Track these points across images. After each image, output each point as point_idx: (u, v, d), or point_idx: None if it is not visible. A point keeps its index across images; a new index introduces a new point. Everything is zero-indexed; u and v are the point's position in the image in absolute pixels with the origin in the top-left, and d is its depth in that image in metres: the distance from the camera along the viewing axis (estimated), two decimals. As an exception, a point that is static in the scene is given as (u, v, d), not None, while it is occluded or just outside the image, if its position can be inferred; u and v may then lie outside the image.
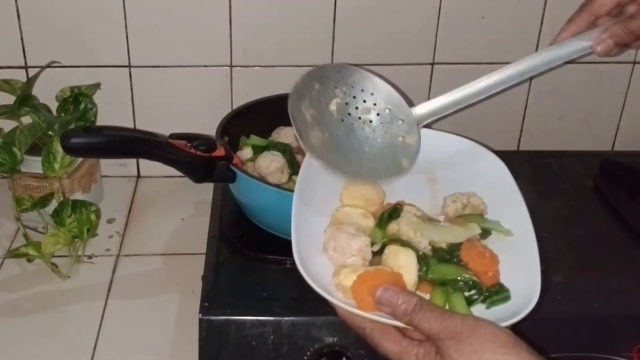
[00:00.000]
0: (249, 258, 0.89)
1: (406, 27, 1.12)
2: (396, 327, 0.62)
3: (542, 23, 1.13)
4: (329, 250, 0.67)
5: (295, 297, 0.80)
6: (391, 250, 0.67)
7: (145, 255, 1.02)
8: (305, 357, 0.78)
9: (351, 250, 0.67)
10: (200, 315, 0.78)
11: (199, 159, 0.87)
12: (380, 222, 0.71)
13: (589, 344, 0.81)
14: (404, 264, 0.65)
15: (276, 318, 0.78)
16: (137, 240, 1.05)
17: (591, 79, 1.20)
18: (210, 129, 0.96)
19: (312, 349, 0.78)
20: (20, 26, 1.07)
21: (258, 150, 0.97)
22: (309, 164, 0.73)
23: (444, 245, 0.69)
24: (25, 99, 1.01)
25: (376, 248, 0.68)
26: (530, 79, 1.18)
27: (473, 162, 0.79)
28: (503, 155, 1.19)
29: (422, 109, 0.77)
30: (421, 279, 0.66)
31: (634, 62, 1.19)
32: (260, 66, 1.13)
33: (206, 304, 0.79)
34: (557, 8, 1.11)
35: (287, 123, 1.04)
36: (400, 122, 0.76)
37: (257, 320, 0.77)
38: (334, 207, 0.73)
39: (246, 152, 0.98)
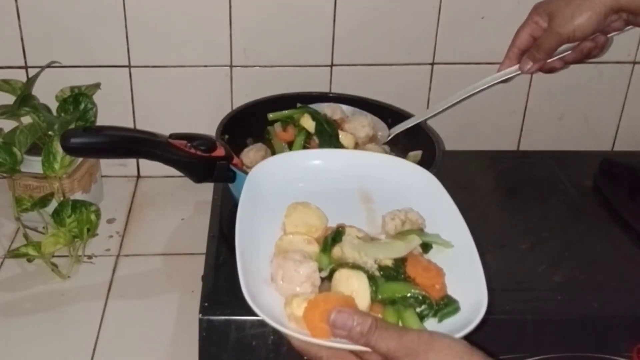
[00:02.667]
0: (248, 258, 0.89)
1: (406, 27, 1.12)
2: (353, 352, 0.61)
3: (542, 23, 1.13)
4: (277, 280, 0.66)
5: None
6: (342, 275, 0.66)
7: (145, 255, 1.02)
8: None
9: (299, 277, 0.66)
10: (200, 315, 0.78)
11: (199, 159, 0.87)
12: (325, 247, 0.71)
13: (589, 344, 0.81)
14: (357, 287, 0.65)
15: (276, 318, 0.77)
16: (137, 240, 1.05)
17: (591, 79, 1.20)
18: (210, 129, 0.96)
19: (312, 349, 0.78)
20: (20, 26, 1.07)
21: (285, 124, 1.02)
22: (247, 197, 0.73)
23: (389, 263, 0.68)
24: (25, 99, 1.01)
25: (324, 274, 0.68)
26: (530, 79, 1.18)
27: (404, 177, 0.80)
28: (503, 155, 1.21)
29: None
30: (372, 300, 0.65)
31: (634, 62, 1.19)
32: (260, 66, 1.13)
33: (206, 304, 0.79)
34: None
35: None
36: None
37: (257, 320, 0.77)
38: (277, 237, 0.72)
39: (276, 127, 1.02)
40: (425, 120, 1.02)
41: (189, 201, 1.13)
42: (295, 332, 0.61)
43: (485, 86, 0.95)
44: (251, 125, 1.04)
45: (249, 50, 1.12)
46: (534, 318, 0.79)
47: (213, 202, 1.00)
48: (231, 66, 1.13)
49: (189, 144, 0.87)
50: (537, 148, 1.23)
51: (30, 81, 1.04)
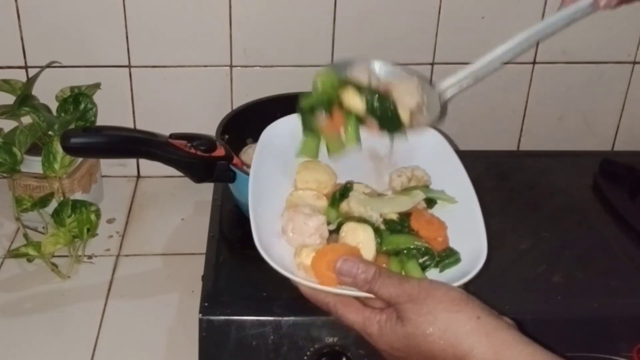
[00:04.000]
0: (249, 258, 0.88)
1: (406, 27, 1.12)
2: (358, 299, 0.65)
3: (542, 23, 1.13)
4: (287, 232, 0.70)
5: (295, 297, 0.80)
6: (349, 228, 0.70)
7: (145, 255, 1.02)
8: (305, 357, 0.78)
9: (309, 229, 0.69)
10: (200, 315, 0.78)
11: (199, 159, 0.87)
12: (333, 202, 0.74)
13: (589, 344, 0.81)
14: (362, 239, 0.68)
15: (276, 318, 0.78)
16: (137, 240, 1.05)
17: (591, 79, 1.20)
18: (210, 129, 0.96)
19: (312, 349, 0.78)
20: (20, 26, 1.07)
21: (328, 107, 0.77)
22: (261, 153, 0.77)
23: (394, 217, 0.72)
24: (25, 99, 1.01)
25: (332, 227, 0.71)
26: (530, 79, 1.18)
27: (414, 137, 0.81)
28: (503, 155, 1.21)
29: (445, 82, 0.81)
30: (377, 251, 0.69)
31: (634, 62, 1.19)
32: (260, 66, 1.13)
33: (206, 304, 0.79)
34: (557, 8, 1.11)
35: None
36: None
37: (257, 320, 0.77)
38: (288, 193, 0.76)
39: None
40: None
41: (189, 201, 1.13)
42: (304, 280, 0.65)
43: (553, 30, 0.80)
44: (251, 125, 1.03)
45: (249, 50, 1.12)
46: (534, 318, 0.79)
47: (213, 202, 1.00)
48: (231, 66, 1.13)
49: (189, 144, 0.87)
50: (537, 148, 1.23)
51: (30, 81, 1.04)
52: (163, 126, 0.96)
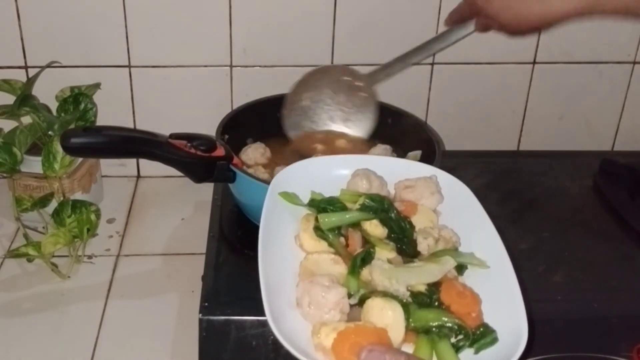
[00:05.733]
0: (249, 258, 0.89)
1: (406, 27, 1.12)
2: None
3: (542, 23, 1.13)
4: (303, 306, 0.63)
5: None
6: (375, 305, 0.62)
7: (145, 255, 1.02)
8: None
9: (328, 304, 0.62)
10: (200, 315, 0.78)
11: (199, 159, 0.87)
12: (353, 269, 0.66)
13: (589, 344, 0.81)
14: (391, 321, 0.61)
15: (276, 318, 0.77)
16: (137, 240, 1.05)
17: (591, 79, 1.20)
18: (210, 129, 0.96)
19: (312, 349, 0.77)
20: (20, 26, 1.07)
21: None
22: (271, 202, 0.70)
23: (422, 289, 0.65)
24: (25, 99, 1.01)
25: (354, 301, 0.64)
26: (530, 79, 1.18)
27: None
28: (503, 155, 1.21)
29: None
30: (404, 328, 0.62)
31: (634, 62, 1.19)
32: (260, 66, 1.13)
33: (206, 304, 0.79)
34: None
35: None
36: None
37: (257, 320, 0.77)
38: (301, 254, 0.68)
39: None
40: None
41: (189, 201, 1.13)
42: None
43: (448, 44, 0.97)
44: (251, 125, 1.04)
45: (249, 50, 1.12)
46: (534, 318, 0.79)
47: (213, 202, 1.00)
48: (231, 66, 1.13)
49: (189, 144, 0.87)
50: (537, 148, 1.23)
51: (30, 81, 1.04)
52: (163, 126, 0.96)
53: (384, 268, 0.66)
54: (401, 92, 1.14)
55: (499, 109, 1.21)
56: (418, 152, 1.00)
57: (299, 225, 0.70)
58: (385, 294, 0.63)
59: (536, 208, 1.03)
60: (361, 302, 0.63)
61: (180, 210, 1.11)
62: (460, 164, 1.10)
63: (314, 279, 0.63)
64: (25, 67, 1.10)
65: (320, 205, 0.71)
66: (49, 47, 1.08)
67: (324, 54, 1.13)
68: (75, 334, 0.88)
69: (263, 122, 1.04)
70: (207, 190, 1.02)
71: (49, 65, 1.07)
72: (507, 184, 1.10)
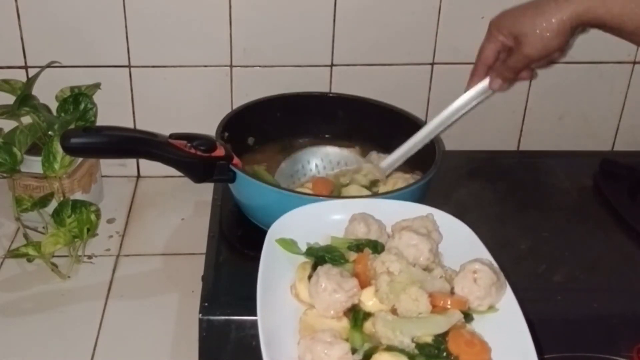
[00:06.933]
0: (249, 258, 0.89)
1: (406, 27, 1.12)
2: None
3: (542, 23, 1.13)
4: None
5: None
6: None
7: (145, 255, 1.02)
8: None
9: None
10: (200, 315, 0.78)
11: (199, 159, 0.87)
12: (356, 322, 0.64)
13: (589, 344, 0.81)
14: None
15: (276, 318, 0.77)
16: (137, 240, 1.05)
17: (591, 79, 1.20)
18: (210, 129, 0.96)
19: (312, 349, 0.77)
20: (20, 26, 1.07)
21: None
22: (269, 250, 0.69)
23: (429, 339, 0.62)
24: (25, 99, 1.01)
25: (359, 357, 0.61)
26: (530, 82, 1.18)
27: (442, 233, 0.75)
28: (503, 155, 1.21)
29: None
30: None
31: (634, 62, 1.19)
32: (260, 66, 1.13)
33: (206, 304, 0.79)
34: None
35: (286, 122, 1.05)
36: None
37: (257, 320, 0.77)
38: (298, 308, 0.67)
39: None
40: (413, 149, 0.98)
41: (189, 201, 1.13)
42: None
43: (463, 112, 0.96)
44: (251, 125, 1.04)
45: (249, 50, 1.12)
46: (534, 318, 0.79)
47: (213, 202, 1.00)
48: (231, 66, 1.13)
49: (189, 144, 0.87)
50: (537, 148, 1.23)
51: (30, 81, 1.04)
52: (163, 126, 0.96)
53: (388, 319, 0.64)
54: (401, 92, 1.14)
55: (499, 109, 1.21)
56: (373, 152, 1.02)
57: (295, 275, 0.69)
58: (391, 347, 0.61)
59: (536, 208, 1.03)
60: (366, 357, 0.61)
61: (180, 210, 1.11)
62: (460, 164, 1.11)
63: (315, 336, 0.61)
64: (25, 67, 1.10)
65: (319, 254, 0.70)
66: (49, 47, 1.08)
67: (324, 54, 1.13)
68: (75, 334, 0.87)
69: (263, 122, 1.04)
70: (207, 190, 1.02)
71: (49, 65, 1.07)
72: (507, 184, 1.10)
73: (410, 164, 0.99)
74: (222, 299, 0.80)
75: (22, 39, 1.08)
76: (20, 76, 1.08)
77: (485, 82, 0.94)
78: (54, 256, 0.96)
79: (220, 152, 0.89)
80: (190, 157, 0.87)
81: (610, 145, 1.26)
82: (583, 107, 1.22)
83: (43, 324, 0.89)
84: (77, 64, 1.10)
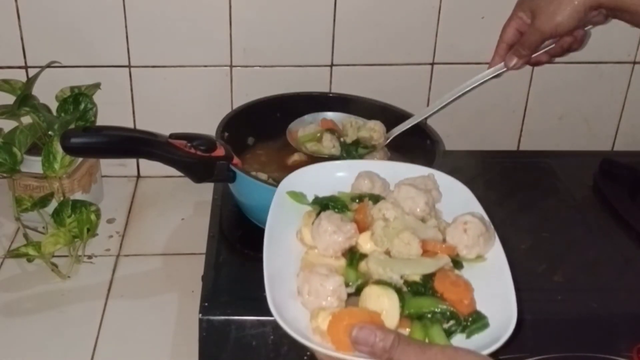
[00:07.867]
0: (249, 258, 0.89)
1: (406, 27, 1.12)
2: None
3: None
4: (303, 294, 0.65)
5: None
6: (372, 292, 0.64)
7: (145, 255, 1.02)
8: (305, 357, 0.78)
9: (326, 291, 0.64)
10: (200, 315, 0.78)
11: (199, 159, 0.88)
12: (352, 261, 0.69)
13: (589, 344, 0.81)
14: (387, 307, 0.63)
15: (276, 318, 0.77)
16: (137, 240, 1.05)
17: (591, 79, 1.20)
18: (210, 129, 0.96)
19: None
20: (20, 26, 1.07)
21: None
22: (277, 204, 0.72)
23: (417, 278, 0.67)
24: (25, 99, 1.01)
25: (351, 290, 0.66)
26: (530, 79, 1.18)
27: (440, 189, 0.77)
28: (503, 155, 1.21)
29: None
30: (399, 315, 0.64)
31: (634, 62, 1.19)
32: (260, 66, 1.13)
33: (206, 304, 0.79)
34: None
35: (286, 122, 1.05)
36: None
37: (257, 320, 0.77)
38: (301, 251, 0.71)
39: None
40: (423, 119, 1.02)
41: (189, 201, 1.13)
42: (320, 345, 0.61)
43: (476, 84, 0.97)
44: (251, 125, 1.04)
45: (249, 50, 1.12)
46: (534, 318, 0.79)
47: (213, 202, 1.00)
48: (231, 66, 1.13)
49: (189, 144, 0.87)
50: (537, 148, 1.23)
51: (30, 81, 1.04)
52: (163, 126, 0.96)
53: (380, 258, 0.68)
54: (401, 92, 1.14)
55: (499, 109, 1.21)
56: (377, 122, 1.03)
57: (301, 221, 0.72)
58: (382, 282, 0.65)
59: (536, 208, 1.03)
60: (358, 291, 0.66)
61: (180, 210, 1.11)
62: (460, 164, 1.11)
63: (313, 269, 0.66)
64: (25, 67, 1.10)
65: (323, 202, 0.74)
66: (49, 47, 1.08)
67: (323, 54, 1.13)
68: (75, 334, 0.88)
69: (263, 122, 1.04)
70: (207, 190, 1.02)
71: (49, 65, 1.07)
72: (507, 183, 1.10)
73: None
74: (222, 299, 0.80)
75: (22, 39, 1.08)
76: (20, 76, 1.08)
77: (500, 65, 0.96)
78: (54, 256, 0.96)
79: (220, 152, 0.89)
80: (190, 157, 0.87)
81: (610, 146, 1.26)
82: (583, 107, 1.22)
83: (43, 324, 0.89)
84: (77, 64, 1.10)
